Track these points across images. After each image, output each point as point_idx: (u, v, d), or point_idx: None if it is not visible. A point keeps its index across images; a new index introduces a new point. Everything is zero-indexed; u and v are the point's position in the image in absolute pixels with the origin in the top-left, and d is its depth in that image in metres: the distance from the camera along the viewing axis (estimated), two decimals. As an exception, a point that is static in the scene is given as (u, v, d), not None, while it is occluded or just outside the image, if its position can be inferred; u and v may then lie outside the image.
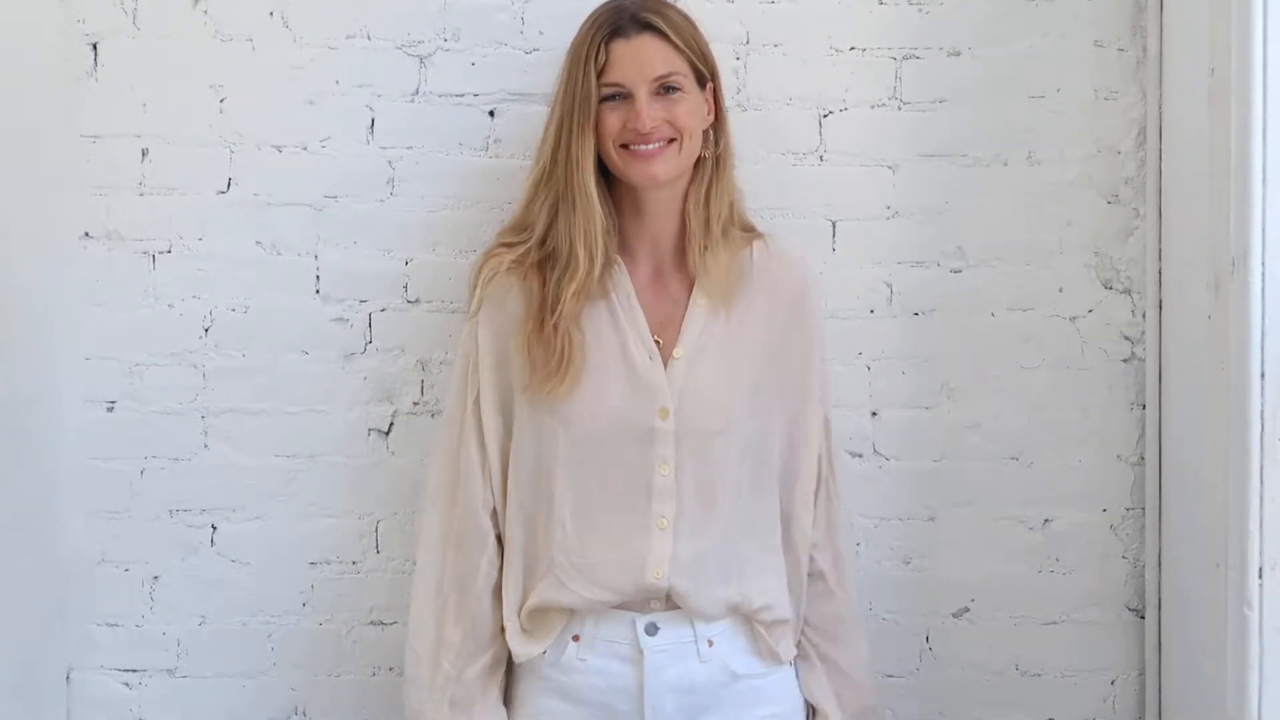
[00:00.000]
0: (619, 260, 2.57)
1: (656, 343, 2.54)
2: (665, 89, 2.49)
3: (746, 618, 2.54)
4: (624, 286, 2.56)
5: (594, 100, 2.49)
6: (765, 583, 2.55)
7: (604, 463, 2.51)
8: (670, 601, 2.49)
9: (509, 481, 2.57)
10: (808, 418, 2.62)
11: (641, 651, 2.49)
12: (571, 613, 2.51)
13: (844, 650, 2.65)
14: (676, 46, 2.51)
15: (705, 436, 2.50)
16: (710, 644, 2.51)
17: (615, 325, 2.54)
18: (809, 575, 2.63)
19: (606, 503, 2.50)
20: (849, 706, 2.63)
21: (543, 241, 2.54)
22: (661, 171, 2.50)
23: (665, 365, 2.52)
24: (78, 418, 2.93)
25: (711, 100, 2.58)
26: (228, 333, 2.94)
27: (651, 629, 2.49)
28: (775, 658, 2.56)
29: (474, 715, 2.53)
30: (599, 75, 2.49)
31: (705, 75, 2.56)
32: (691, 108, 2.52)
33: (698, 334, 2.55)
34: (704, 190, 2.57)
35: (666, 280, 2.60)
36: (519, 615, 2.54)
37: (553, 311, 2.49)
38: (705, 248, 2.55)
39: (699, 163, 2.57)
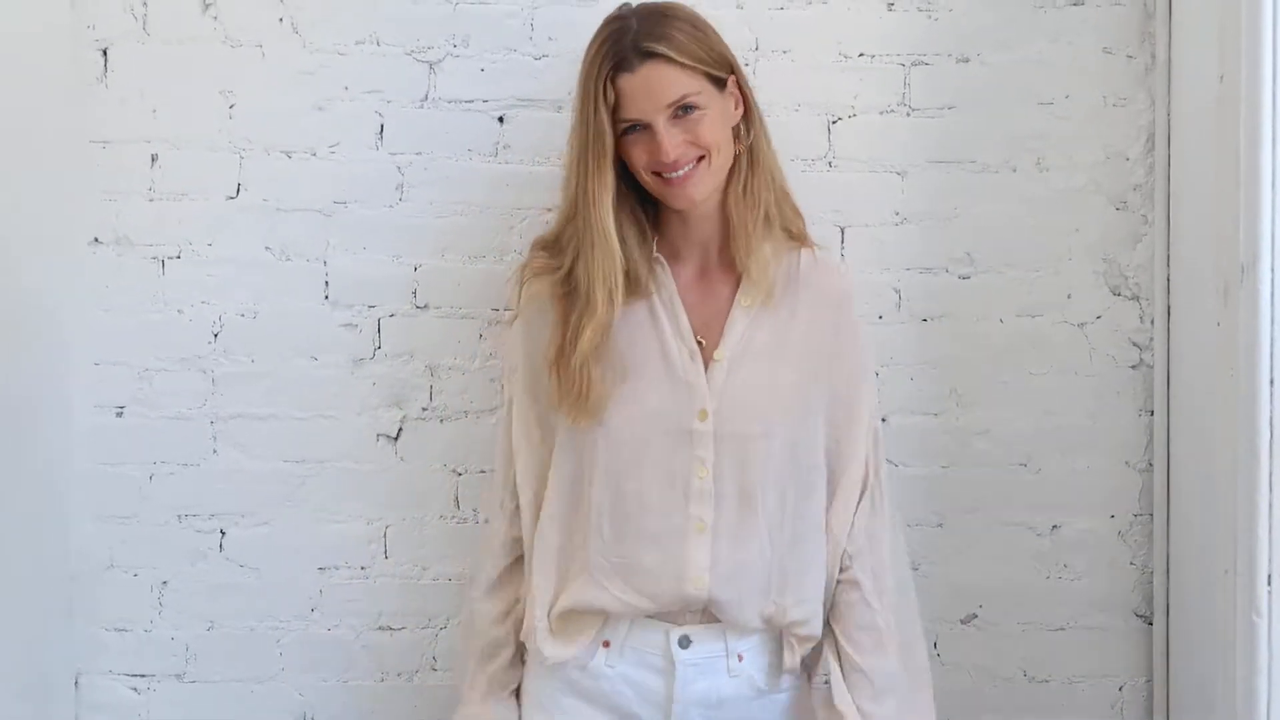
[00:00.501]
0: (661, 259, 2.54)
1: (699, 343, 2.51)
2: (683, 109, 2.42)
3: (779, 630, 2.50)
4: (667, 287, 2.53)
5: (608, 139, 2.43)
6: (804, 593, 2.51)
7: (642, 464, 2.47)
8: (706, 614, 2.47)
9: (550, 483, 2.54)
10: (854, 426, 2.56)
11: (673, 664, 2.47)
12: (605, 618, 2.48)
13: (877, 660, 2.54)
14: (684, 66, 2.42)
15: (744, 440, 2.46)
16: (740, 658, 2.49)
17: (656, 326, 2.51)
18: (844, 583, 2.56)
19: (644, 504, 2.47)
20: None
21: (569, 273, 2.50)
22: (698, 192, 2.46)
23: (706, 367, 2.49)
24: (87, 422, 2.94)
25: (737, 92, 2.52)
26: (237, 338, 2.94)
27: (685, 642, 2.47)
28: (794, 672, 2.53)
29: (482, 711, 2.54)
30: (613, 111, 2.43)
31: (724, 77, 2.49)
32: (714, 119, 2.46)
33: (740, 336, 2.51)
34: (742, 186, 2.51)
35: (712, 279, 2.56)
36: (549, 616, 2.51)
37: (574, 348, 2.46)
38: (750, 245, 2.50)
39: (735, 159, 2.51)
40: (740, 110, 2.53)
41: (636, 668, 2.49)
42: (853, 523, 2.56)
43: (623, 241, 2.49)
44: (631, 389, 2.48)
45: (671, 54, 2.41)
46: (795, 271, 2.56)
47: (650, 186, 2.49)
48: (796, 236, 2.60)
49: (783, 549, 2.49)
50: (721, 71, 2.48)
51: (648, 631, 2.48)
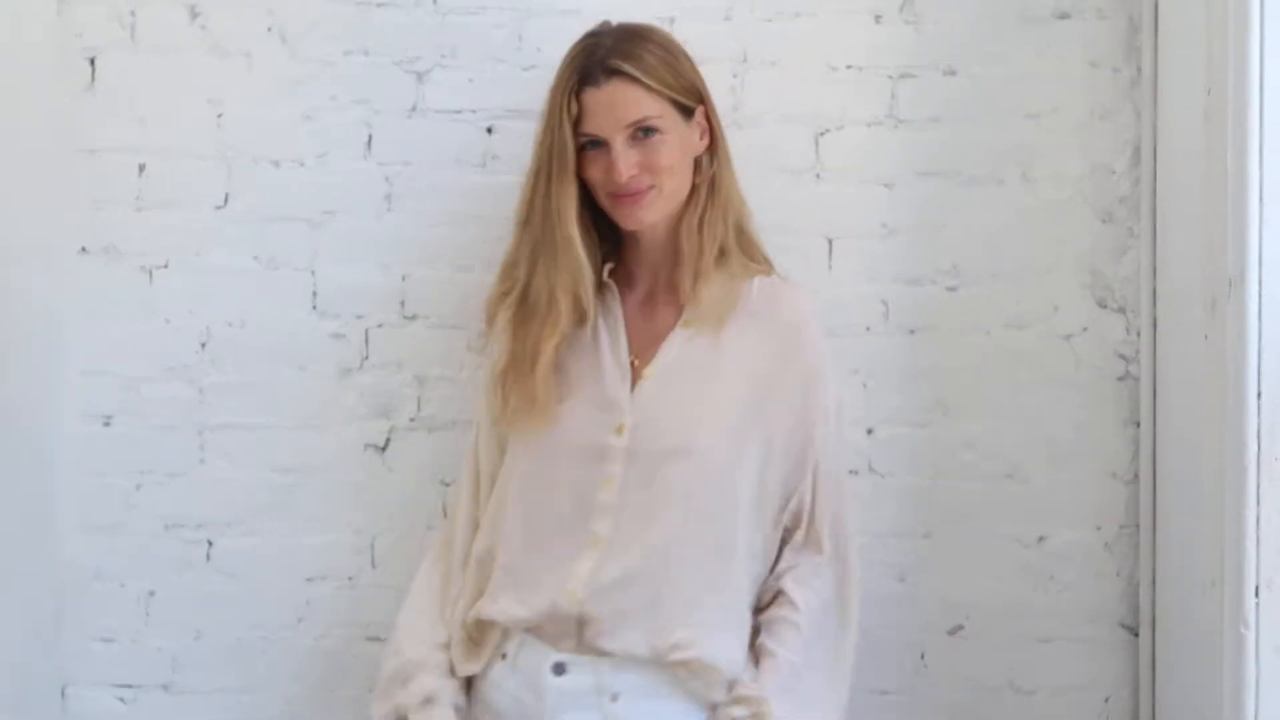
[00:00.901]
0: (612, 284, 2.56)
1: (633, 364, 2.52)
2: (643, 131, 2.44)
3: (663, 666, 2.40)
4: (613, 310, 2.55)
5: (570, 151, 2.46)
6: (696, 618, 2.41)
7: (557, 479, 2.48)
8: (583, 642, 2.41)
9: (490, 498, 2.58)
10: (796, 461, 2.51)
11: (544, 690, 2.43)
12: (504, 631, 2.48)
13: (789, 653, 2.44)
14: (650, 88, 2.44)
15: (658, 457, 2.44)
16: (614, 699, 2.41)
17: (596, 348, 2.53)
18: (771, 599, 2.51)
19: (552, 519, 2.47)
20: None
21: (525, 289, 2.53)
22: (647, 216, 2.48)
23: (635, 384, 2.50)
24: (74, 432, 2.93)
25: (705, 123, 2.54)
26: (224, 348, 2.94)
27: (559, 669, 2.42)
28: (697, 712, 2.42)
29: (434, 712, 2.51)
30: (575, 125, 2.45)
31: (691, 105, 2.51)
32: (673, 146, 2.47)
33: (673, 356, 2.50)
34: (696, 218, 2.52)
35: (658, 304, 2.57)
36: (464, 626, 2.51)
37: (533, 362, 2.48)
38: (696, 276, 2.51)
39: (694, 189, 2.53)
40: (706, 141, 2.54)
41: (522, 687, 2.46)
42: (781, 555, 2.53)
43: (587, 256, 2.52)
44: (562, 408, 2.49)
45: (637, 75, 2.44)
46: (748, 299, 2.54)
47: (604, 204, 2.51)
48: (756, 260, 2.60)
49: (679, 568, 2.42)
50: (689, 100, 2.50)
51: (532, 652, 2.45)
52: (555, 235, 2.47)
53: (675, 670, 2.40)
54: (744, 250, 2.58)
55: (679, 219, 2.53)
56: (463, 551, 2.60)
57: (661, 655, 2.39)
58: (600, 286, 2.55)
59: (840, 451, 2.60)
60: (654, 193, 2.46)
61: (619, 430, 2.45)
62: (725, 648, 2.43)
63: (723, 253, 2.53)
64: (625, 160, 2.43)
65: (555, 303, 2.47)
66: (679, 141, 2.48)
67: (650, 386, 2.49)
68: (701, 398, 2.48)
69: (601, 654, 2.40)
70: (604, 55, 2.45)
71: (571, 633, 2.41)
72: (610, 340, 2.53)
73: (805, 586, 2.50)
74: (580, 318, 2.51)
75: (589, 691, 2.41)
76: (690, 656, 2.39)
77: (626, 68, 2.43)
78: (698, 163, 2.54)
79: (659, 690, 2.42)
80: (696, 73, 2.54)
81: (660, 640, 2.39)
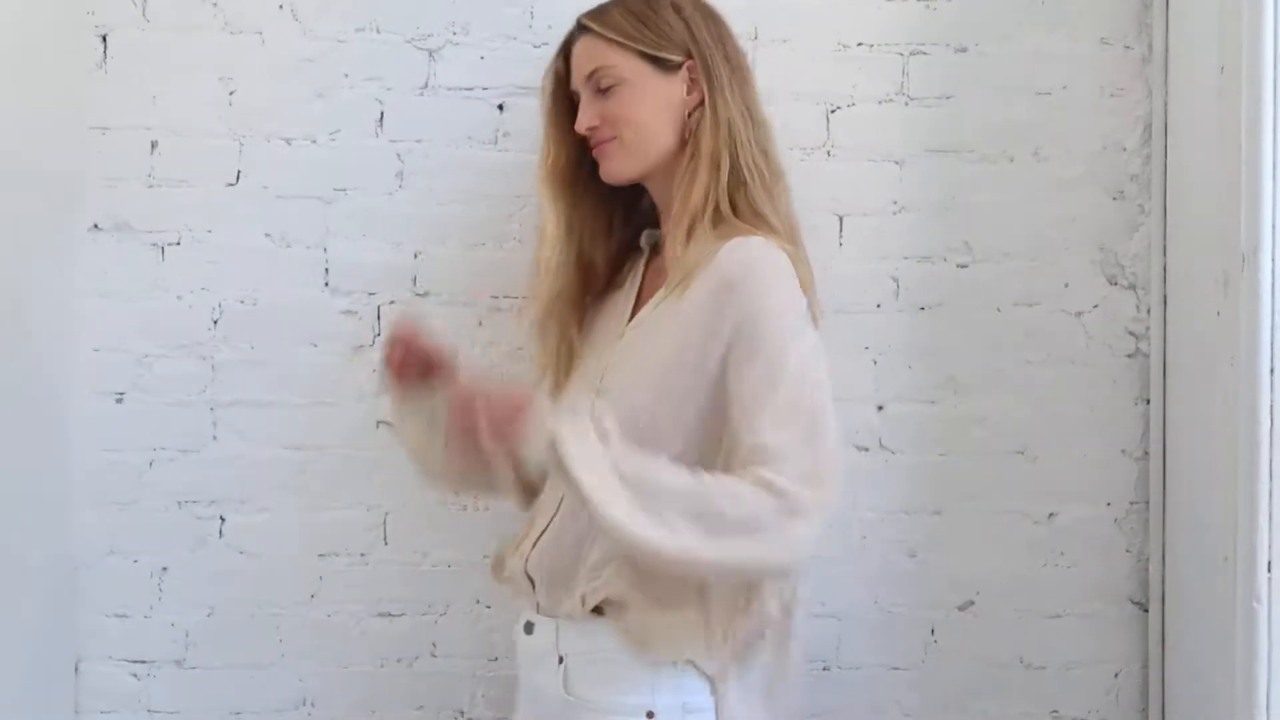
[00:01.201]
0: (643, 249, 2.58)
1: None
2: (603, 83, 2.43)
3: (590, 619, 2.31)
4: (636, 274, 2.56)
5: (549, 109, 2.52)
6: (610, 570, 2.30)
7: None
8: (538, 603, 2.40)
9: None
10: (716, 429, 2.29)
11: (520, 648, 2.46)
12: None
13: (669, 475, 2.20)
14: (609, 40, 2.42)
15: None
16: (562, 661, 2.35)
17: (613, 312, 2.54)
18: None
19: (546, 486, 2.48)
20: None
21: None
22: (612, 168, 2.46)
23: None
24: (87, 409, 2.94)
25: (699, 78, 2.43)
26: (236, 324, 2.95)
27: (528, 628, 2.42)
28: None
29: None
30: (568, 84, 2.51)
31: (670, 59, 2.43)
32: (637, 98, 2.42)
33: (643, 318, 2.44)
34: (679, 178, 2.44)
35: (663, 266, 2.52)
36: None
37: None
38: (676, 234, 2.40)
39: (685, 147, 2.45)
40: (696, 97, 2.44)
41: (521, 643, 2.48)
42: None
43: (604, 232, 2.57)
44: (574, 376, 2.52)
45: (595, 28, 2.45)
46: (715, 260, 2.34)
47: None
48: (747, 227, 2.40)
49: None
50: (666, 53, 2.43)
51: (522, 613, 2.46)
52: (539, 190, 2.54)
53: (608, 623, 2.31)
54: (741, 212, 2.41)
55: (671, 177, 2.46)
56: None
57: (579, 611, 2.32)
58: (634, 251, 2.60)
59: (799, 404, 2.22)
60: (615, 144, 2.44)
61: (592, 390, 2.44)
62: (645, 589, 2.30)
63: (718, 214, 2.40)
64: (586, 112, 2.45)
65: (541, 273, 2.51)
66: (647, 94, 2.43)
67: (619, 347, 2.46)
68: (641, 357, 2.39)
69: (549, 615, 2.38)
70: (581, 17, 2.49)
71: (530, 593, 2.42)
72: (624, 301, 2.53)
73: (728, 476, 2.21)
74: (617, 281, 2.56)
75: (545, 652, 2.38)
76: (605, 599, 2.30)
77: (590, 23, 2.46)
78: (686, 120, 2.46)
79: (603, 653, 2.31)
80: (689, 27, 2.45)
81: (587, 592, 2.32)
